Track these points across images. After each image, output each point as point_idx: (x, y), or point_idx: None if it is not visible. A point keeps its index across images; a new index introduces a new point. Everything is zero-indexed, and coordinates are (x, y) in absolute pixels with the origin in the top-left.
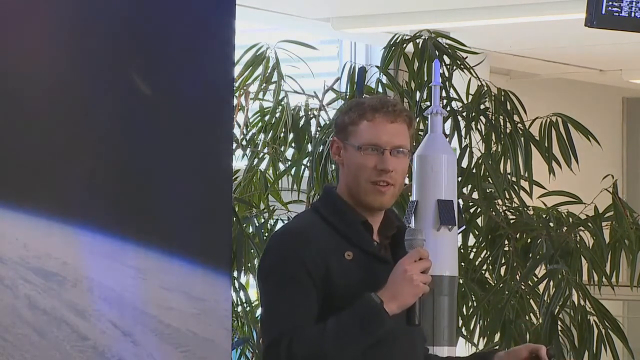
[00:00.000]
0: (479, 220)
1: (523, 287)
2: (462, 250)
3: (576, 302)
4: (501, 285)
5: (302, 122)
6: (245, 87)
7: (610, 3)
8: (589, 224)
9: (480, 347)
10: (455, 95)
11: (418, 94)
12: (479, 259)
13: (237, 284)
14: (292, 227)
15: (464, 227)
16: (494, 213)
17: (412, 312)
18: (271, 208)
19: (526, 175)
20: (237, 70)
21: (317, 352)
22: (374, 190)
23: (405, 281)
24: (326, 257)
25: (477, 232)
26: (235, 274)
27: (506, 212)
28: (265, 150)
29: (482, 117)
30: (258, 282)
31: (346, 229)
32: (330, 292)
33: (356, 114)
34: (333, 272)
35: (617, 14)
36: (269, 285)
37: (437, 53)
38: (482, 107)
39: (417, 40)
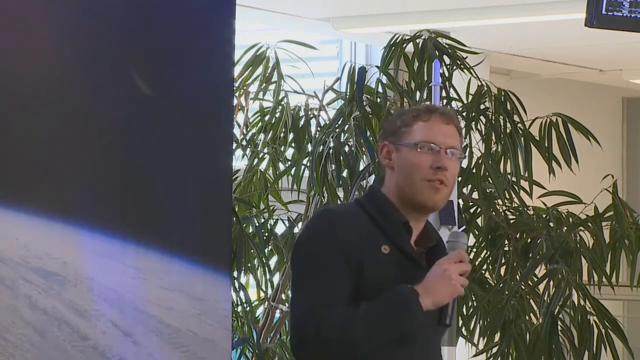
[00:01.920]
0: (479, 220)
1: (523, 287)
2: None
3: (576, 302)
4: (501, 285)
5: (302, 122)
6: (245, 87)
7: (610, 3)
8: (589, 224)
9: (480, 347)
10: (455, 95)
11: (418, 94)
12: (479, 259)
13: (237, 284)
14: (334, 209)
15: (464, 227)
16: (494, 213)
17: (445, 312)
18: (271, 208)
19: (526, 175)
20: (237, 70)
21: (344, 334)
22: (429, 188)
23: (443, 279)
24: (363, 246)
25: (477, 232)
26: (235, 274)
27: (506, 212)
28: (265, 150)
29: (482, 117)
30: (291, 258)
31: (387, 225)
32: (361, 281)
33: (409, 117)
34: (367, 262)
35: (617, 14)
36: (303, 264)
37: (437, 53)
38: (482, 107)
39: (417, 40)
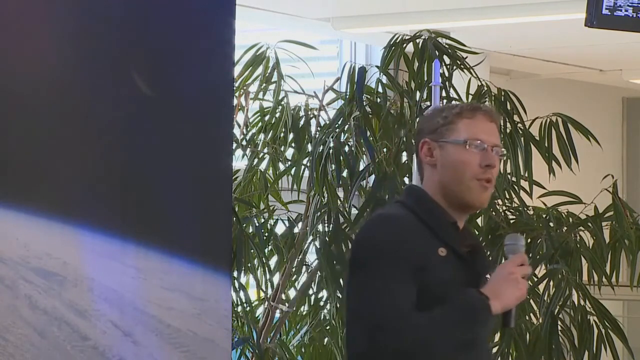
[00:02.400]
0: (479, 220)
1: None
2: None
3: (576, 302)
4: None
5: (302, 122)
6: (245, 87)
7: (610, 3)
8: (589, 224)
9: None
10: (455, 95)
11: (418, 94)
12: None
13: (237, 284)
14: (392, 214)
15: None
16: (494, 213)
17: (509, 315)
18: (271, 208)
19: (526, 175)
20: (237, 70)
21: (424, 339)
22: (477, 187)
23: (510, 282)
24: (423, 249)
25: (477, 232)
26: (235, 274)
27: (506, 212)
28: (265, 150)
29: None
30: (354, 265)
31: (438, 226)
32: (423, 286)
33: (452, 113)
34: (429, 266)
35: (617, 14)
36: (369, 269)
37: (437, 53)
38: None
39: (417, 40)
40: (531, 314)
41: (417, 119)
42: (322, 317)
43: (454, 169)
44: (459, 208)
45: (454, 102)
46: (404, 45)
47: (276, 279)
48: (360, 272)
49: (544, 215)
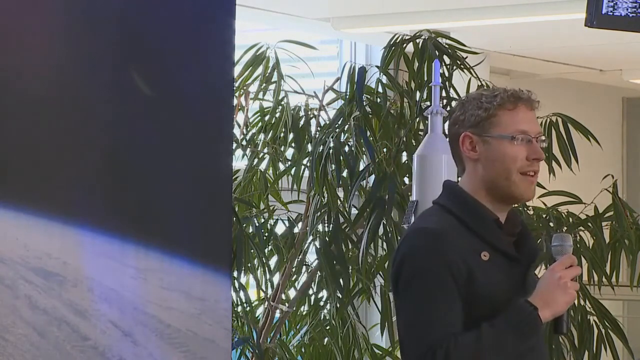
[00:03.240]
0: None
1: None
2: None
3: (576, 302)
4: None
5: (302, 122)
6: (245, 87)
7: (611, 3)
8: (589, 224)
9: None
10: (455, 95)
11: (418, 94)
12: None
13: (237, 284)
14: (430, 227)
15: None
16: None
17: (561, 320)
18: (271, 208)
19: None
20: (237, 70)
21: (477, 357)
22: (524, 181)
23: (559, 288)
24: (466, 259)
25: None
26: (235, 274)
27: None
28: (265, 150)
29: None
30: (398, 286)
31: (481, 228)
32: (471, 295)
33: (492, 105)
34: (474, 274)
35: (617, 14)
36: (414, 289)
37: (437, 53)
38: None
39: (417, 40)
40: None
41: (417, 119)
42: (322, 317)
43: (501, 163)
44: (504, 202)
45: (491, 87)
46: (404, 45)
47: (276, 279)
48: (406, 292)
49: (544, 215)
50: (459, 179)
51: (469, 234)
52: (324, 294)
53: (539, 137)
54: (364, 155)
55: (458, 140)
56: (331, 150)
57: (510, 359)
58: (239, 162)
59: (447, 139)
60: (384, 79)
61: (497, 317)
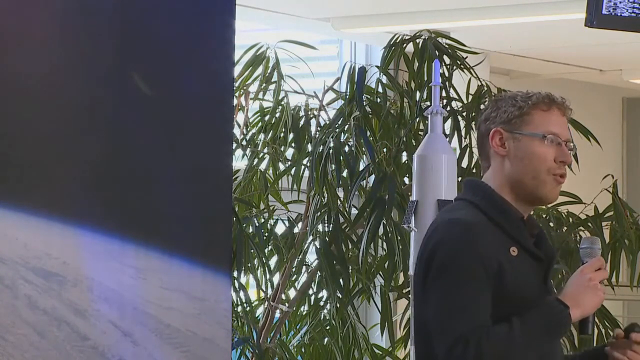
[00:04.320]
0: None
1: None
2: None
3: None
4: None
5: (302, 122)
6: (245, 87)
7: (610, 3)
8: (589, 224)
9: None
10: (455, 95)
11: (418, 94)
12: None
13: (237, 284)
14: (462, 218)
15: None
16: None
17: (587, 322)
18: (271, 208)
19: None
20: (237, 70)
21: (506, 352)
22: (551, 182)
23: (589, 290)
24: (497, 253)
25: None
26: (235, 274)
27: None
28: (265, 150)
29: None
30: (428, 275)
31: (508, 225)
32: (499, 290)
33: (527, 103)
34: (504, 269)
35: (617, 14)
36: (446, 278)
37: (437, 53)
38: (482, 107)
39: (417, 40)
40: None
41: (417, 119)
42: (322, 317)
43: (529, 162)
44: (528, 201)
45: (526, 90)
46: (404, 45)
47: (276, 279)
48: (437, 281)
49: (544, 215)
50: (483, 175)
51: (498, 230)
52: (324, 294)
53: (568, 144)
54: (364, 155)
55: (488, 135)
56: (331, 150)
57: (537, 355)
58: (239, 162)
59: (477, 137)
60: (384, 79)
61: (528, 313)
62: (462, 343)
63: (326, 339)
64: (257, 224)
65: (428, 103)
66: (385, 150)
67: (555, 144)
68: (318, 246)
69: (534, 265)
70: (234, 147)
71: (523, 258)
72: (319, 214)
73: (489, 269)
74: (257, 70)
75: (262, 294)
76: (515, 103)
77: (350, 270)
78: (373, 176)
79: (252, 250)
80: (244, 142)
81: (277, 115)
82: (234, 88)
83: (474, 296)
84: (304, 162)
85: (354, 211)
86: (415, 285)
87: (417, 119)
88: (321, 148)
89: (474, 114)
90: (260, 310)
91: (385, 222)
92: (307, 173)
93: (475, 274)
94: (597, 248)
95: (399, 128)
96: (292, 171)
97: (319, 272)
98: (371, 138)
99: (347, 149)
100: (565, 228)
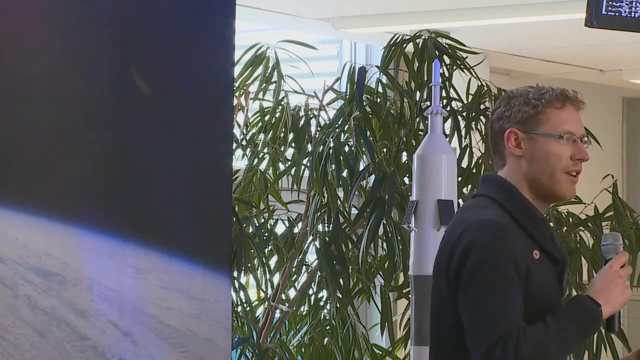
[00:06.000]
0: None
1: None
2: None
3: None
4: None
5: (302, 122)
6: (245, 87)
7: (610, 3)
8: (589, 224)
9: None
10: (455, 95)
11: (418, 94)
12: None
13: (237, 284)
14: (494, 220)
15: None
16: None
17: (614, 319)
18: (271, 208)
19: None
20: (237, 70)
21: (543, 351)
22: (567, 180)
23: (619, 287)
24: (524, 255)
25: None
26: (235, 274)
27: None
28: (265, 150)
29: (482, 117)
30: (461, 276)
31: (531, 226)
32: (527, 291)
33: (541, 102)
34: (531, 271)
35: (617, 14)
36: (481, 279)
37: (437, 53)
38: (482, 107)
39: (417, 40)
40: None
41: (417, 119)
42: (322, 317)
43: (545, 161)
44: (545, 200)
45: (536, 84)
46: (404, 45)
47: (276, 279)
48: (472, 282)
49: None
50: (498, 172)
51: (522, 232)
52: (324, 294)
53: (585, 140)
54: (364, 155)
55: (502, 135)
56: (331, 150)
57: (570, 353)
58: (239, 162)
59: (490, 135)
60: (384, 79)
61: (561, 312)
62: (501, 344)
63: (326, 339)
64: (257, 224)
65: (428, 103)
66: (385, 150)
67: (571, 142)
68: (318, 246)
69: (550, 267)
70: (234, 147)
71: (543, 260)
72: (319, 214)
73: (520, 271)
74: (257, 70)
75: (262, 294)
76: (528, 102)
77: (350, 270)
78: (373, 176)
79: (252, 250)
80: (244, 142)
81: (277, 115)
82: (234, 88)
83: (509, 298)
84: (304, 162)
85: (354, 211)
86: (438, 283)
87: (417, 119)
88: (321, 148)
89: (474, 114)
90: (260, 310)
91: (385, 222)
92: (307, 173)
93: (510, 275)
94: (620, 244)
95: (399, 128)
96: (292, 171)
97: (319, 272)
98: (371, 138)
99: (347, 149)
100: (565, 228)
